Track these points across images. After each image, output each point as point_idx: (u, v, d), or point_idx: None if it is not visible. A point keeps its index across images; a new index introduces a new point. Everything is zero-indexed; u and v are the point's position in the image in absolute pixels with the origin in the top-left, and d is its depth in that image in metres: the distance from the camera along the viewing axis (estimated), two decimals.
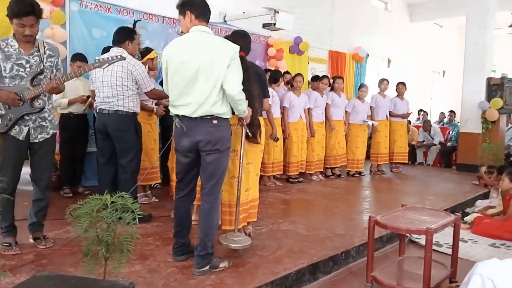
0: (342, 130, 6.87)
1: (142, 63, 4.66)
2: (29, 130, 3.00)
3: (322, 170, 6.72)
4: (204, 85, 2.64)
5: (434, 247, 3.51)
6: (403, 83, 7.69)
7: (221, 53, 2.67)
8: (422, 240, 3.67)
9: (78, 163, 5.13)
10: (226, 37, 3.07)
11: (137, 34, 4.16)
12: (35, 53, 3.00)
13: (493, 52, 8.15)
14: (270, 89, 4.75)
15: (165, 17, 6.22)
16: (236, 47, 2.73)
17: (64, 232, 3.47)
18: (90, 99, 4.82)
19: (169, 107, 2.87)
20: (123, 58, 3.12)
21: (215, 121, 2.70)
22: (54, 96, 4.80)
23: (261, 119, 3.33)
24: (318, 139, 6.52)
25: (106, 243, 2.17)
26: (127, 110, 3.79)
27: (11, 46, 2.94)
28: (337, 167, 6.94)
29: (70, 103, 4.85)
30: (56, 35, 5.07)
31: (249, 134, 3.11)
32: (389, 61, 11.51)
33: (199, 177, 2.91)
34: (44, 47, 3.06)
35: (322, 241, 3.53)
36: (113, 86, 3.73)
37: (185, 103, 2.70)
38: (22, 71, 2.94)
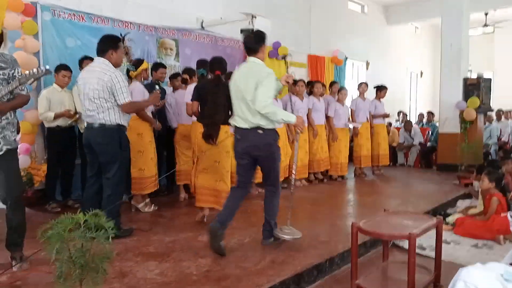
0: (324, 134, 6.86)
1: (137, 74, 4.65)
2: None
3: (306, 176, 6.68)
4: (245, 104, 3.34)
5: (417, 250, 3.50)
6: (384, 87, 7.70)
7: (252, 77, 3.32)
8: (405, 244, 3.65)
9: (67, 176, 5.03)
10: (210, 63, 4.21)
11: (121, 43, 4.01)
12: None
13: (468, 52, 8.29)
14: None
15: (141, 24, 6.13)
16: (264, 71, 3.36)
17: (40, 250, 3.33)
18: (78, 115, 4.77)
19: (230, 120, 3.58)
20: (48, 72, 2.89)
21: (260, 131, 3.31)
22: (40, 109, 4.71)
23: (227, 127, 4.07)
24: (301, 145, 6.48)
25: (80, 264, 2.08)
26: (110, 123, 3.65)
27: None
28: (320, 171, 6.93)
29: (56, 117, 4.74)
30: (28, 46, 4.93)
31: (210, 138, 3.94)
32: (367, 63, 11.61)
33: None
34: None
35: (306, 250, 3.49)
36: (91, 99, 3.60)
37: (239, 117, 3.41)
38: None
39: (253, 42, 3.50)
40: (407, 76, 14.18)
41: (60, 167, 4.94)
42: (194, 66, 4.98)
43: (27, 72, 2.86)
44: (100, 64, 3.64)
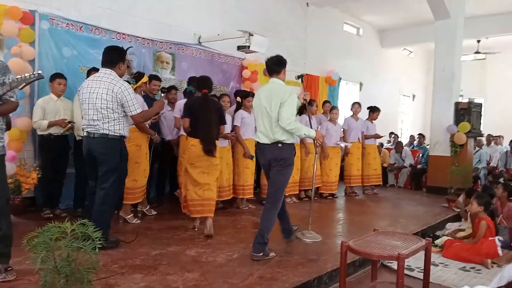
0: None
1: (137, 87, 4.79)
2: None
3: (296, 192, 6.68)
4: (268, 121, 3.68)
5: (406, 271, 3.50)
6: (377, 109, 7.79)
7: (276, 96, 3.63)
8: (394, 264, 3.65)
9: (58, 184, 4.99)
10: (198, 80, 4.61)
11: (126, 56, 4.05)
12: None
13: (460, 77, 8.43)
14: (241, 112, 5.79)
15: (138, 37, 6.17)
16: (286, 91, 3.66)
17: (26, 259, 3.27)
18: (70, 124, 4.78)
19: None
20: (41, 77, 2.87)
21: (280, 145, 3.68)
22: (34, 118, 4.71)
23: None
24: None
25: (65, 274, 2.05)
26: (113, 134, 3.66)
27: None
28: (310, 189, 6.92)
29: (50, 126, 4.74)
30: (23, 53, 4.93)
31: (210, 152, 4.29)
32: (361, 84, 11.75)
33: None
34: None
35: (295, 267, 3.47)
36: (98, 108, 3.61)
37: (261, 133, 3.77)
38: None
39: (276, 64, 3.85)
40: (399, 98, 14.36)
41: (52, 174, 4.90)
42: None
43: (18, 77, 2.83)
44: (109, 75, 3.67)
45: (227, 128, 5.42)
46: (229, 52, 7.34)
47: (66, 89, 4.97)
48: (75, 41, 5.49)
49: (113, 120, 3.64)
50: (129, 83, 4.66)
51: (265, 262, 3.57)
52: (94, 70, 4.80)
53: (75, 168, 5.10)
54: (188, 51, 6.90)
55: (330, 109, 7.20)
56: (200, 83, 4.54)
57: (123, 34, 5.99)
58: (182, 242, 4.08)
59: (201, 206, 4.40)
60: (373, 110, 7.76)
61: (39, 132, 4.84)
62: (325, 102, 7.65)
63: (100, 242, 2.08)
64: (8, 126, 3.26)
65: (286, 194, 6.47)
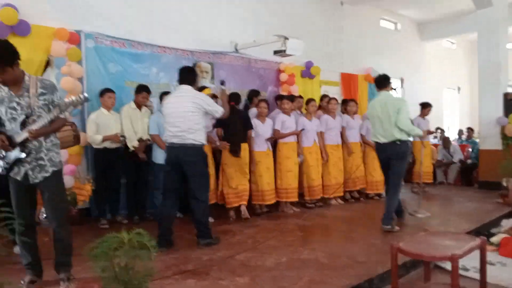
0: (359, 152, 6.81)
1: None
2: (26, 171, 2.99)
3: (342, 194, 6.62)
4: (387, 124, 4.72)
5: (460, 272, 3.40)
6: (428, 104, 7.63)
7: (391, 105, 4.74)
8: (448, 265, 3.54)
9: (114, 194, 5.24)
10: (228, 96, 4.94)
11: None
12: (25, 94, 2.94)
13: (507, 66, 8.05)
14: (281, 116, 5.94)
15: (178, 49, 6.35)
16: (400, 100, 4.84)
17: (84, 268, 3.43)
18: (123, 138, 5.07)
19: (371, 136, 5.11)
20: (87, 100, 3.09)
21: (398, 142, 4.71)
22: (88, 132, 4.99)
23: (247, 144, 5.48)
24: (334, 162, 6.45)
25: (124, 281, 2.15)
26: (198, 143, 4.12)
27: (2, 89, 2.94)
28: (355, 190, 6.84)
29: (104, 140, 5.00)
30: (73, 72, 5.20)
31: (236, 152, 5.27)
32: (402, 80, 11.46)
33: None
34: (37, 85, 2.98)
35: (344, 270, 3.44)
36: (185, 121, 4.06)
37: (379, 134, 4.85)
38: (15, 114, 2.94)
39: (383, 80, 4.97)
40: (443, 92, 13.87)
41: (107, 185, 5.16)
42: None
43: (67, 100, 3.02)
44: (190, 91, 4.19)
45: (268, 132, 5.73)
46: (265, 57, 7.40)
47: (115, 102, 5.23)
48: (119, 57, 5.74)
49: (197, 130, 4.11)
50: None
51: (314, 265, 3.56)
52: (165, 94, 5.28)
53: (126, 178, 5.33)
54: (226, 59, 7.01)
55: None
56: (230, 97, 5.08)
57: (163, 47, 6.19)
58: (231, 246, 4.15)
59: (236, 197, 5.39)
60: (424, 106, 7.61)
61: (94, 146, 5.10)
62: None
63: (155, 250, 2.17)
64: (77, 140, 3.53)
65: (331, 197, 6.48)
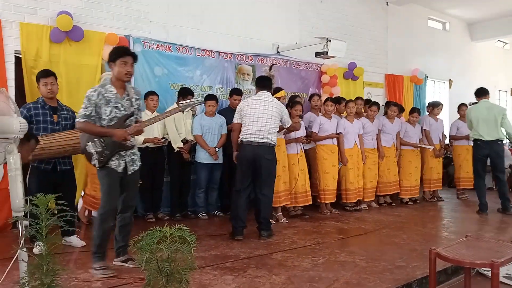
0: (393, 156, 6.68)
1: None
2: (126, 164, 3.40)
3: (373, 199, 6.54)
4: (493, 126, 5.77)
5: (504, 280, 3.30)
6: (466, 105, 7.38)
7: (496, 111, 5.85)
8: (490, 272, 3.44)
9: (157, 192, 5.48)
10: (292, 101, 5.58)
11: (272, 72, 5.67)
12: (126, 97, 3.38)
13: None
14: (320, 118, 5.97)
15: (221, 52, 6.51)
16: (503, 108, 6.00)
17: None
18: (163, 140, 5.28)
19: (473, 134, 5.94)
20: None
21: (499, 141, 5.87)
22: None
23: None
24: (370, 166, 6.38)
25: (166, 274, 2.28)
26: (273, 143, 4.55)
27: (110, 92, 3.31)
28: (388, 194, 6.71)
29: (145, 142, 5.22)
30: None
31: None
32: (450, 81, 11.10)
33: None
34: (132, 91, 3.44)
35: (382, 273, 3.43)
36: (268, 122, 4.48)
37: (485, 133, 5.78)
38: (118, 113, 3.33)
39: (483, 91, 5.99)
40: (494, 94, 13.24)
41: (151, 183, 5.38)
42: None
43: (184, 102, 3.76)
44: (272, 97, 4.69)
45: (299, 133, 5.54)
46: (307, 59, 7.41)
47: (159, 105, 5.44)
48: (165, 60, 5.97)
49: (274, 132, 4.57)
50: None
51: (351, 268, 3.57)
52: (209, 97, 5.54)
53: (170, 177, 5.54)
54: (268, 61, 7.09)
55: (410, 111, 7.01)
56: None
57: (207, 50, 6.36)
58: (268, 246, 4.23)
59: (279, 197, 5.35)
60: (461, 107, 7.34)
61: (137, 146, 5.33)
62: (412, 110, 7.14)
63: (195, 245, 2.29)
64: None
65: (365, 200, 6.41)
